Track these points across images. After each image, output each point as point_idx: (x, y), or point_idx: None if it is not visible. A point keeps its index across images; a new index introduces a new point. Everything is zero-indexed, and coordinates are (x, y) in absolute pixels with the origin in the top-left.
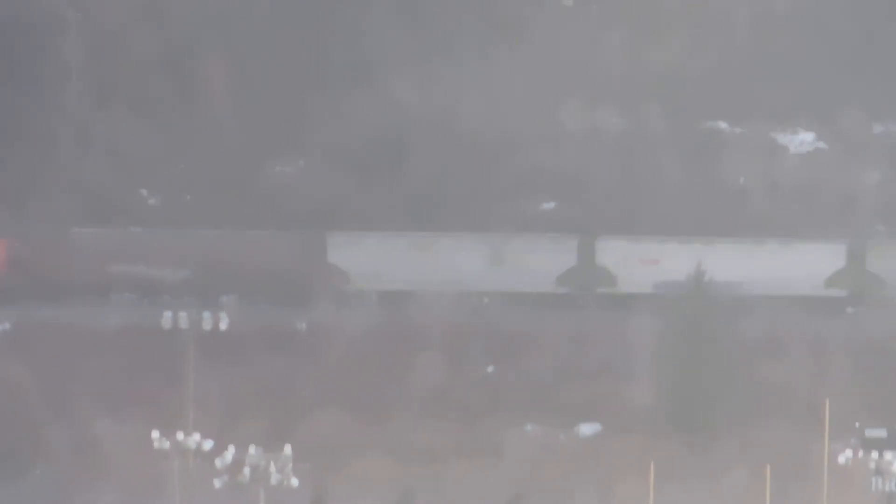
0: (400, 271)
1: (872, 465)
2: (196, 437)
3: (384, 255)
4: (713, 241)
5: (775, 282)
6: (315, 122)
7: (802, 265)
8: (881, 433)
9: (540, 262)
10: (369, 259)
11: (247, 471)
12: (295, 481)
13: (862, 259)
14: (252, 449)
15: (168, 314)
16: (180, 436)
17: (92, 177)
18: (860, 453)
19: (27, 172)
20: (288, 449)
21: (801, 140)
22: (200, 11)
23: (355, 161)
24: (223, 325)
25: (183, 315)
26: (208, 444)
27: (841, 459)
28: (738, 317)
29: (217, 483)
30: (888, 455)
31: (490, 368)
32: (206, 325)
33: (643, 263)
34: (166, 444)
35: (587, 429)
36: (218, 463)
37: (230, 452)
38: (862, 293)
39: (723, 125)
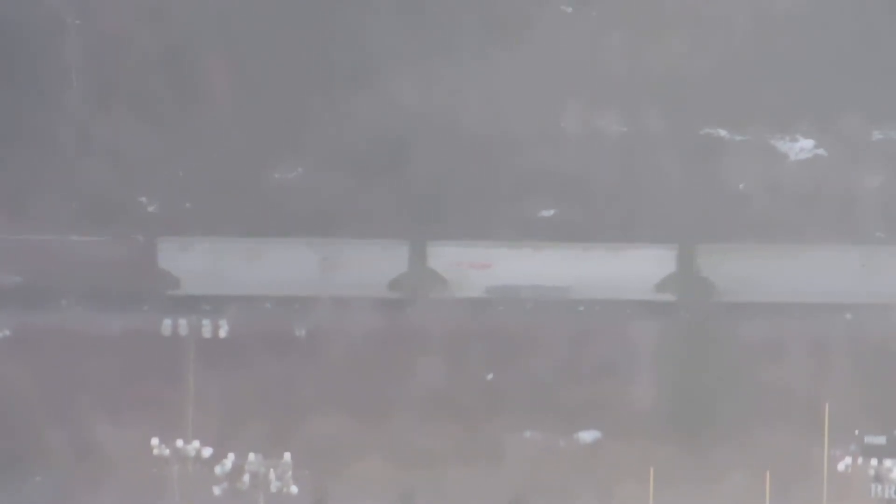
0: (231, 277)
1: (872, 472)
2: (196, 444)
3: (216, 260)
4: (542, 246)
5: (605, 286)
6: (315, 125)
7: (633, 270)
8: (880, 440)
9: (372, 268)
10: (200, 265)
11: (246, 478)
12: (294, 488)
13: (691, 263)
14: (251, 456)
15: (168, 321)
16: (180, 443)
17: (91, 181)
18: (860, 460)
19: (26, 176)
20: (287, 456)
21: (801, 146)
22: (200, 15)
23: (356, 164)
24: (223, 333)
25: (182, 322)
26: (208, 452)
27: (840, 466)
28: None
29: (217, 490)
30: (887, 462)
31: (490, 375)
32: (206, 332)
33: (474, 268)
34: (166, 452)
35: (587, 436)
36: (217, 470)
37: (230, 460)
38: (691, 297)
39: (722, 131)
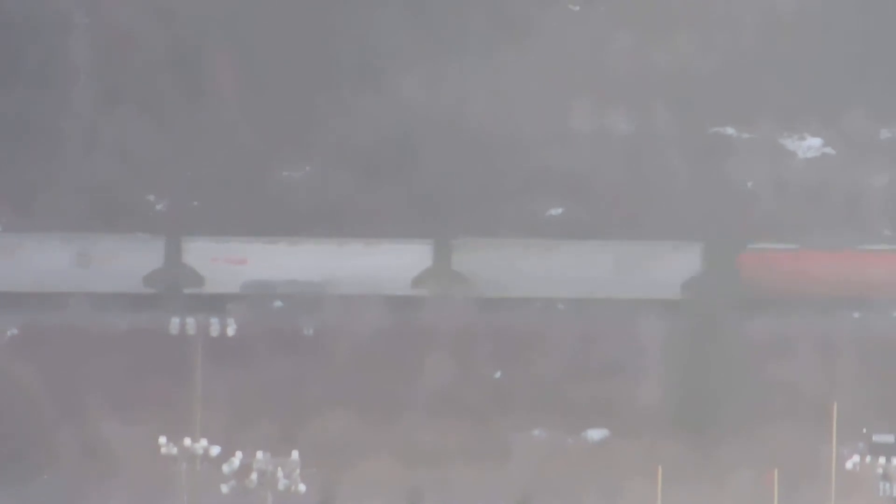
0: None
1: (880, 471)
2: (203, 442)
3: None
4: (298, 241)
5: (361, 281)
6: (323, 125)
7: (390, 265)
8: (889, 439)
9: (127, 263)
10: None
11: (254, 476)
12: (302, 487)
13: (448, 258)
14: (259, 454)
15: (176, 320)
16: (188, 441)
17: (99, 180)
18: (868, 458)
19: (34, 174)
20: (295, 454)
21: (809, 145)
22: (208, 14)
23: (363, 163)
24: (230, 332)
25: (190, 321)
26: (216, 450)
27: (849, 464)
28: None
29: (224, 489)
30: (895, 460)
31: (498, 374)
32: (214, 331)
33: (230, 263)
34: (174, 450)
35: (595, 434)
36: (225, 468)
37: (238, 458)
38: (446, 292)
39: (730, 130)
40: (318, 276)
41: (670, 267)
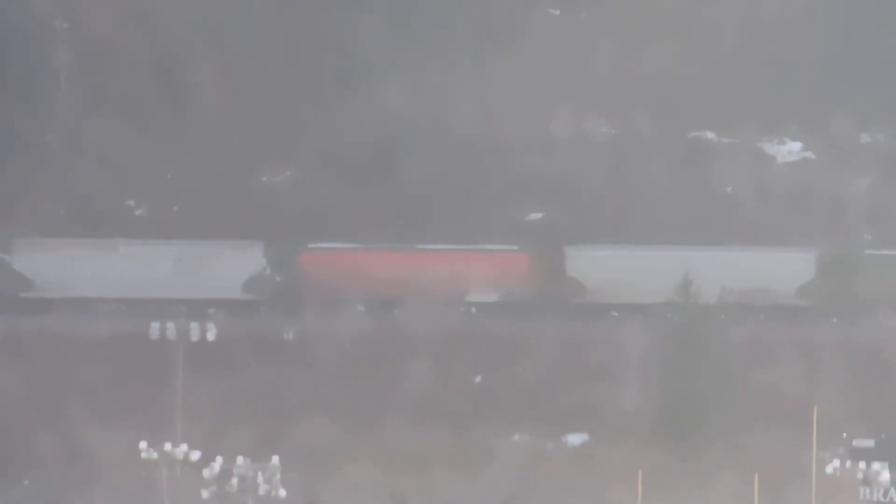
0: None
1: (860, 475)
2: (184, 447)
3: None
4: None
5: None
6: (305, 129)
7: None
8: (869, 443)
9: None
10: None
11: (235, 481)
12: (283, 492)
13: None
14: (240, 459)
15: (156, 325)
16: (168, 446)
17: (79, 186)
18: (848, 463)
19: (14, 179)
20: (276, 459)
21: (789, 149)
22: (189, 19)
23: (345, 170)
24: (210, 336)
25: (171, 326)
26: (196, 455)
27: (829, 469)
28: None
29: (205, 494)
30: (876, 465)
31: (478, 378)
32: (194, 335)
33: None
34: (154, 455)
35: (575, 439)
36: (206, 473)
37: (218, 463)
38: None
39: (711, 135)
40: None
41: (232, 266)
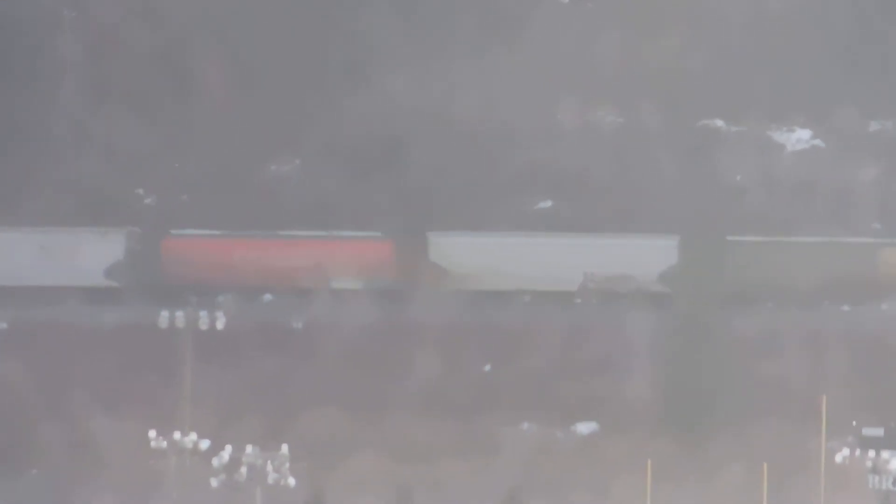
0: None
1: (869, 464)
2: (193, 436)
3: None
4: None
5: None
6: (312, 120)
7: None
8: (878, 432)
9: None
10: None
11: (244, 470)
12: (292, 480)
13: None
14: (249, 448)
15: (165, 313)
16: (177, 435)
17: (88, 175)
18: (857, 452)
19: (23, 171)
20: (285, 448)
21: (798, 138)
22: (197, 10)
23: (352, 159)
24: (220, 325)
25: (180, 314)
26: (205, 444)
27: (838, 458)
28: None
29: (214, 482)
30: (885, 454)
31: (487, 367)
32: (203, 324)
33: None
34: (163, 444)
35: (584, 428)
36: (215, 462)
37: (227, 452)
38: None
39: (719, 123)
40: None
41: (94, 253)
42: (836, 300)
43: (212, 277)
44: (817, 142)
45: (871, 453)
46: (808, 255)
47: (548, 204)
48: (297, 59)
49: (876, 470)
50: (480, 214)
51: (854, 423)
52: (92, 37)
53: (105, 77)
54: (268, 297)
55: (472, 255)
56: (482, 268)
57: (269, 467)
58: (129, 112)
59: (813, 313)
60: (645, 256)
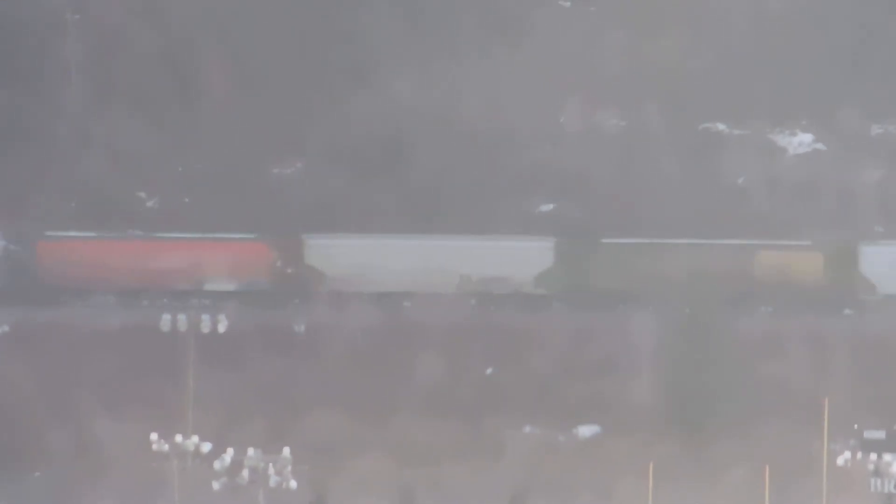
0: None
1: (871, 467)
2: (195, 439)
3: None
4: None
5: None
6: (315, 122)
7: None
8: (880, 435)
9: None
10: None
11: (245, 473)
12: (294, 483)
13: None
14: (251, 451)
15: (167, 316)
16: (179, 438)
17: (89, 178)
18: (859, 455)
19: (25, 173)
20: (287, 451)
21: (800, 141)
22: (199, 12)
23: (355, 161)
24: (221, 328)
25: (182, 317)
26: (207, 447)
27: (840, 461)
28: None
29: (216, 485)
30: (887, 457)
31: (489, 370)
32: (205, 327)
33: None
34: (165, 447)
35: (586, 430)
36: (217, 465)
37: (229, 455)
38: None
39: (721, 126)
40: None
41: None
42: (714, 302)
43: (87, 279)
44: (819, 145)
45: (873, 456)
46: (682, 257)
47: (550, 206)
48: (300, 62)
49: (878, 473)
50: (483, 216)
51: (856, 426)
52: (95, 39)
53: (107, 79)
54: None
55: (347, 258)
56: (358, 270)
57: (271, 470)
58: (131, 114)
59: (815, 316)
60: (521, 259)
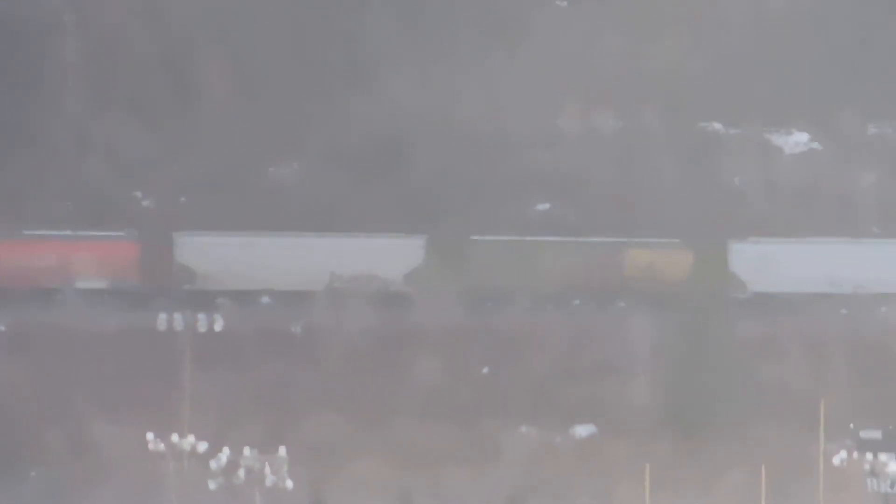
0: None
1: (867, 467)
2: (191, 439)
3: None
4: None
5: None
6: (312, 124)
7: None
8: (876, 435)
9: None
10: None
11: (242, 473)
12: (290, 483)
13: None
14: (247, 451)
15: (163, 316)
16: (175, 438)
17: (87, 178)
18: (855, 454)
19: (22, 174)
20: (283, 451)
21: (796, 141)
22: (198, 14)
23: (352, 163)
24: (218, 327)
25: (178, 317)
26: (203, 446)
27: (836, 461)
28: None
29: (212, 485)
30: (883, 456)
31: (485, 370)
32: (202, 327)
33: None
34: (161, 447)
35: (582, 431)
36: (213, 465)
37: (225, 454)
38: None
39: (718, 126)
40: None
41: None
42: (583, 299)
43: None
44: (815, 145)
45: (870, 456)
46: (552, 254)
47: (546, 206)
48: (298, 63)
49: (874, 473)
50: (481, 217)
51: (852, 425)
52: (93, 41)
53: (105, 81)
54: (265, 299)
55: (218, 255)
56: (229, 268)
57: (268, 470)
58: (129, 115)
59: (812, 316)
60: (390, 256)
